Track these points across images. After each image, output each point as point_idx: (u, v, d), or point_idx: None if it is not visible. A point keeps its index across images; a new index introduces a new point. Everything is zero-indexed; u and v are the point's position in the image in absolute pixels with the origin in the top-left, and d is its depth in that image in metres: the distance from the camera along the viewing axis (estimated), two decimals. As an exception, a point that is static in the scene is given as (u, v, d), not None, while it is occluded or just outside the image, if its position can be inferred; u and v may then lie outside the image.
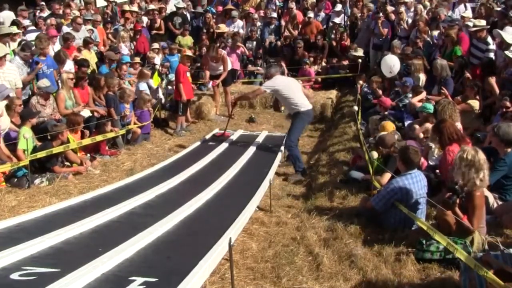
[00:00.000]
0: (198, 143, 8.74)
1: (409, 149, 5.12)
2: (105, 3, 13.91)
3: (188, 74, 10.00)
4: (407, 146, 5.35)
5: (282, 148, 7.90)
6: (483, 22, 8.61)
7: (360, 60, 11.59)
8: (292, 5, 13.63)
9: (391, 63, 8.96)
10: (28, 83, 8.22)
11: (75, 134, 7.54)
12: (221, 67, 10.44)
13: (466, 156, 4.37)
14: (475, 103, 7.31)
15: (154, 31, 12.84)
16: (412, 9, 11.75)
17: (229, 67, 10.63)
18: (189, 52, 10.08)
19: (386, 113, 8.46)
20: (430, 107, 7.04)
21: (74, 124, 7.46)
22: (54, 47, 9.65)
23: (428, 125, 6.79)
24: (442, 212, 4.38)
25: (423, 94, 7.97)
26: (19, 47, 8.44)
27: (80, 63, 9.06)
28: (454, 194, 4.30)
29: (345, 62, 12.21)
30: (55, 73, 8.58)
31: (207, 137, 9.15)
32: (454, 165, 4.48)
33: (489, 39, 8.45)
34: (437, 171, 5.86)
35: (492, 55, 8.37)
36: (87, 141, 7.53)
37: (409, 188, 4.85)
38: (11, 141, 6.83)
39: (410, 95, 8.31)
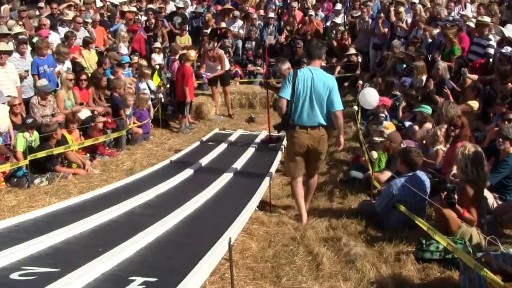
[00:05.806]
0: (198, 143, 8.74)
1: (411, 151, 5.14)
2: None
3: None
4: (410, 148, 5.41)
5: (283, 147, 7.88)
6: (487, 19, 8.63)
7: (354, 58, 11.56)
8: (294, 4, 13.60)
9: (370, 98, 7.97)
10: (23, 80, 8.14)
11: (73, 133, 7.53)
12: (219, 67, 10.47)
13: (467, 151, 4.49)
14: (475, 104, 7.30)
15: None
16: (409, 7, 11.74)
17: (227, 67, 10.64)
18: (193, 57, 10.05)
19: (386, 113, 8.43)
20: (429, 108, 7.05)
21: (71, 124, 7.45)
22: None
23: (428, 126, 6.79)
24: (438, 208, 4.46)
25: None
26: (15, 41, 8.38)
27: (76, 70, 9.02)
28: (451, 192, 4.40)
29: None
30: (55, 72, 8.57)
31: (207, 137, 9.15)
32: (456, 159, 4.63)
33: (491, 36, 8.47)
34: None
35: (492, 50, 8.36)
36: (88, 141, 7.52)
37: (409, 189, 4.86)
38: (11, 142, 6.84)
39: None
